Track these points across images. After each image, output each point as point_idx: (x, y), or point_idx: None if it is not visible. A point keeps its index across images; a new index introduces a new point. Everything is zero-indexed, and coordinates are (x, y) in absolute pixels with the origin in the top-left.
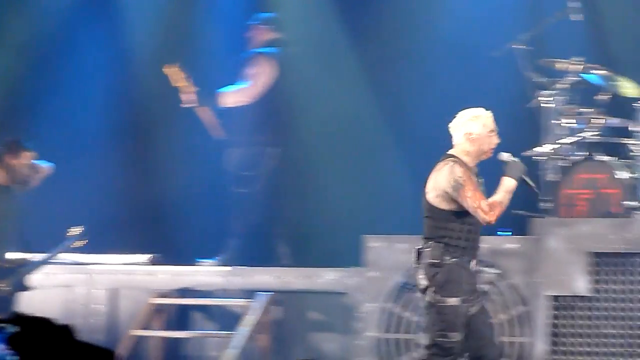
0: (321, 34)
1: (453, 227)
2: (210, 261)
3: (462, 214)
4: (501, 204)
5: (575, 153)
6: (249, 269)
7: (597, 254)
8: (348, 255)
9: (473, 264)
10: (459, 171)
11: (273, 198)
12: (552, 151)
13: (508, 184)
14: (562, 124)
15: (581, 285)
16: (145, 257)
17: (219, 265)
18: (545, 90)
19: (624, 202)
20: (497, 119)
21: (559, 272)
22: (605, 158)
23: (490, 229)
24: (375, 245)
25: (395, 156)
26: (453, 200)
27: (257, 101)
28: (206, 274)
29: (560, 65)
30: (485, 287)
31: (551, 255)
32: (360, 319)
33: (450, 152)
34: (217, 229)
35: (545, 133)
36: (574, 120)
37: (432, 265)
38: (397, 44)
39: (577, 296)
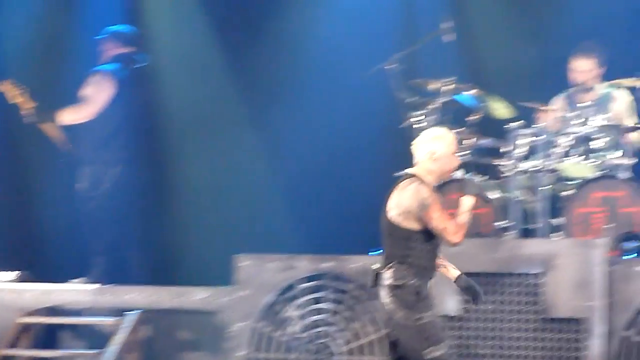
0: (192, 47)
1: (415, 247)
2: (79, 279)
3: (425, 233)
4: (464, 224)
5: None
6: (119, 287)
7: (468, 275)
8: (219, 274)
9: (430, 285)
10: (425, 191)
11: (129, 216)
12: None
13: (467, 203)
14: None
15: (451, 305)
16: (12, 275)
17: (88, 283)
18: (417, 110)
19: (494, 223)
20: (369, 139)
21: None
22: (476, 178)
23: (362, 249)
24: (245, 264)
25: (267, 173)
26: (417, 219)
27: (102, 118)
28: (75, 292)
29: (432, 85)
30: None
31: None
32: (230, 338)
33: (411, 170)
34: (85, 246)
35: None
36: None
37: (397, 287)
38: (270, 59)
39: (447, 316)
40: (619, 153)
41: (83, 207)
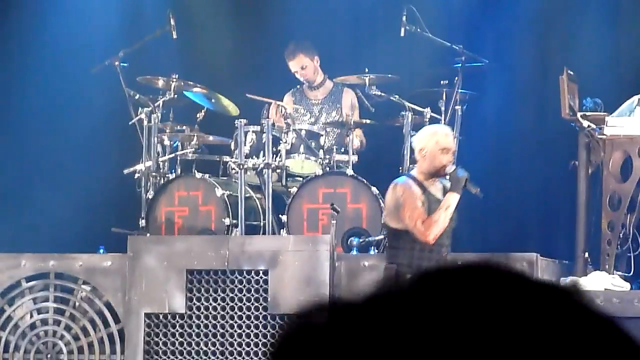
0: None
1: (404, 247)
2: None
3: (409, 233)
4: (437, 222)
5: (174, 170)
6: None
7: (193, 272)
8: None
9: None
10: (399, 189)
11: None
12: (151, 168)
13: (450, 200)
14: (160, 141)
15: (177, 303)
16: None
17: None
18: (144, 107)
19: (222, 219)
20: (98, 137)
21: (155, 290)
22: (203, 175)
23: (91, 247)
24: None
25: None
26: (399, 220)
27: None
28: None
29: (159, 82)
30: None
31: (147, 273)
32: None
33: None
34: None
35: (145, 150)
36: (173, 138)
37: None
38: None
39: (173, 314)
40: (345, 150)
41: None
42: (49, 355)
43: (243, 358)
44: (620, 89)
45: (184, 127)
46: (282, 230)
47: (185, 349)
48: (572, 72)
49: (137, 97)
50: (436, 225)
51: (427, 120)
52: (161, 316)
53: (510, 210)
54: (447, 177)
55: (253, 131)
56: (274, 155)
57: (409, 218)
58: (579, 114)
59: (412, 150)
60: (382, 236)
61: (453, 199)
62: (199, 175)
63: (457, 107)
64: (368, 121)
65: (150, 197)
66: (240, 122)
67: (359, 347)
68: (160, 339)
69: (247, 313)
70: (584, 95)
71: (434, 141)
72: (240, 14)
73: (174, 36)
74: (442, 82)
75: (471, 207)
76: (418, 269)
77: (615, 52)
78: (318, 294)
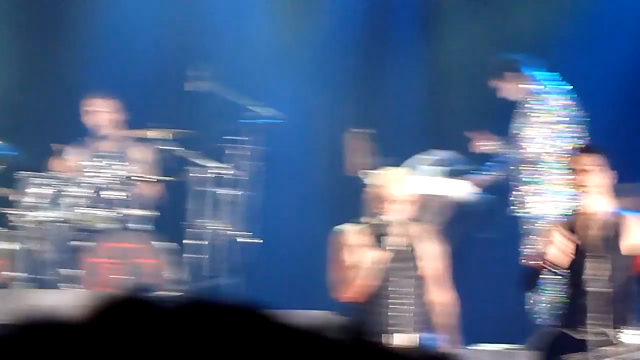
0: None
1: None
2: None
3: None
4: (361, 281)
5: None
6: None
7: None
8: None
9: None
10: (330, 240)
11: None
12: None
13: (367, 257)
14: None
15: None
16: None
17: None
18: None
19: (4, 272)
20: None
21: None
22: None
23: None
24: None
25: None
26: None
27: None
28: None
29: None
30: None
31: None
32: None
33: None
34: None
35: None
36: None
37: None
38: None
39: None
40: (134, 204)
41: None
42: None
43: None
44: (411, 148)
45: None
46: (67, 284)
47: None
48: (362, 130)
49: None
50: (347, 283)
51: (212, 175)
52: None
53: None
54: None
55: (38, 183)
56: (61, 208)
57: (330, 271)
58: (360, 172)
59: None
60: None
61: (368, 256)
62: None
63: (256, 164)
64: (154, 177)
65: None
66: (24, 173)
67: None
68: None
69: None
70: (378, 153)
71: (375, 185)
72: (29, 58)
73: None
74: (232, 137)
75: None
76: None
77: (408, 110)
78: None
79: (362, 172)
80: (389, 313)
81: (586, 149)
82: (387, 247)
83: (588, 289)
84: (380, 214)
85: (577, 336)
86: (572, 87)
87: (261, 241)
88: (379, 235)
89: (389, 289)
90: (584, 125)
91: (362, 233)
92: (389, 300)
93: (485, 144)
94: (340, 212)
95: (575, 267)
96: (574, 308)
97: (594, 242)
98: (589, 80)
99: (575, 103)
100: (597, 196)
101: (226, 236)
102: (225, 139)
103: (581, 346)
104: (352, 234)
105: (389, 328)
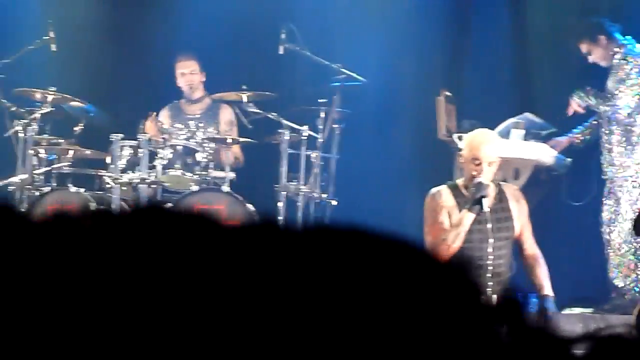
0: None
1: None
2: None
3: None
4: (450, 242)
5: (48, 183)
6: None
7: None
8: None
9: None
10: (426, 201)
11: None
12: (26, 181)
13: (465, 219)
14: (36, 154)
15: None
16: None
17: None
18: (20, 119)
19: None
20: None
21: None
22: (78, 189)
23: None
24: None
25: None
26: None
27: None
28: None
29: (36, 95)
30: None
31: None
32: None
33: None
34: None
35: (19, 162)
36: (49, 151)
37: None
38: None
39: None
40: (222, 167)
41: None
42: None
43: None
44: (498, 112)
45: (61, 140)
46: None
47: None
48: (449, 94)
49: (13, 109)
50: (447, 247)
51: (305, 138)
52: None
53: (389, 232)
54: (472, 189)
55: (130, 146)
56: (150, 170)
57: (427, 234)
58: (455, 135)
59: (307, 166)
60: None
61: (468, 219)
62: (73, 189)
63: (335, 126)
64: (245, 139)
65: (23, 210)
66: (117, 136)
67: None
68: None
69: None
70: (462, 117)
71: (468, 148)
72: (119, 28)
73: (53, 48)
74: (320, 100)
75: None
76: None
77: (494, 75)
78: None
79: (454, 136)
80: (487, 275)
81: None
82: (485, 209)
83: None
84: (475, 176)
85: None
86: None
87: (336, 203)
88: (475, 197)
89: (487, 250)
90: None
91: (457, 195)
92: (487, 262)
93: (579, 108)
94: (431, 176)
95: None
96: None
97: None
98: None
99: None
100: None
101: (314, 198)
102: (313, 102)
103: None
104: (448, 195)
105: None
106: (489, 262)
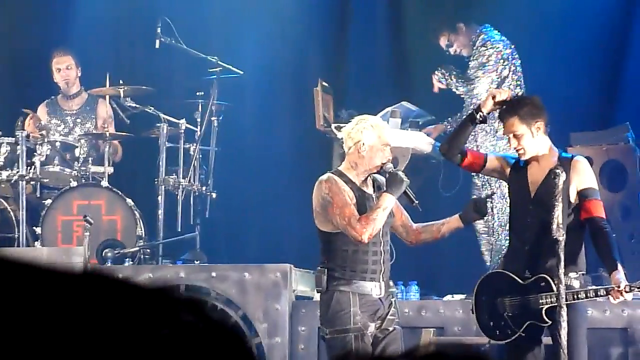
0: None
1: (335, 249)
2: None
3: (341, 234)
4: (375, 221)
5: None
6: None
7: None
8: None
9: (374, 289)
10: (324, 186)
11: None
12: None
13: (386, 200)
14: None
15: None
16: None
17: None
18: None
19: None
20: None
21: None
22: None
23: None
24: None
25: None
26: (328, 220)
27: None
28: None
29: None
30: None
31: None
32: None
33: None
34: None
35: None
36: None
37: (319, 293)
38: None
39: None
40: (100, 162)
41: None
42: None
43: None
44: (375, 101)
45: None
46: (36, 242)
47: None
48: (326, 84)
49: None
50: (372, 225)
51: (182, 131)
52: None
53: (269, 222)
54: (386, 175)
55: (7, 143)
56: (28, 167)
57: (339, 216)
58: (333, 125)
59: (186, 159)
60: (137, 248)
61: (389, 200)
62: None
63: (213, 118)
64: (124, 133)
65: None
66: None
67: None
68: None
69: None
70: (340, 107)
71: (375, 135)
72: None
73: None
74: (197, 93)
75: (229, 221)
76: (351, 272)
77: (372, 65)
78: None
79: (332, 126)
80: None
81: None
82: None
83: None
84: (385, 163)
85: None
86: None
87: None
88: (395, 183)
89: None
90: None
91: (347, 181)
92: (383, 249)
93: (441, 84)
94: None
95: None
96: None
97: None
98: (526, 32)
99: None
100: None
101: (193, 191)
102: (191, 95)
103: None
104: (340, 181)
105: (370, 275)
106: (385, 248)
